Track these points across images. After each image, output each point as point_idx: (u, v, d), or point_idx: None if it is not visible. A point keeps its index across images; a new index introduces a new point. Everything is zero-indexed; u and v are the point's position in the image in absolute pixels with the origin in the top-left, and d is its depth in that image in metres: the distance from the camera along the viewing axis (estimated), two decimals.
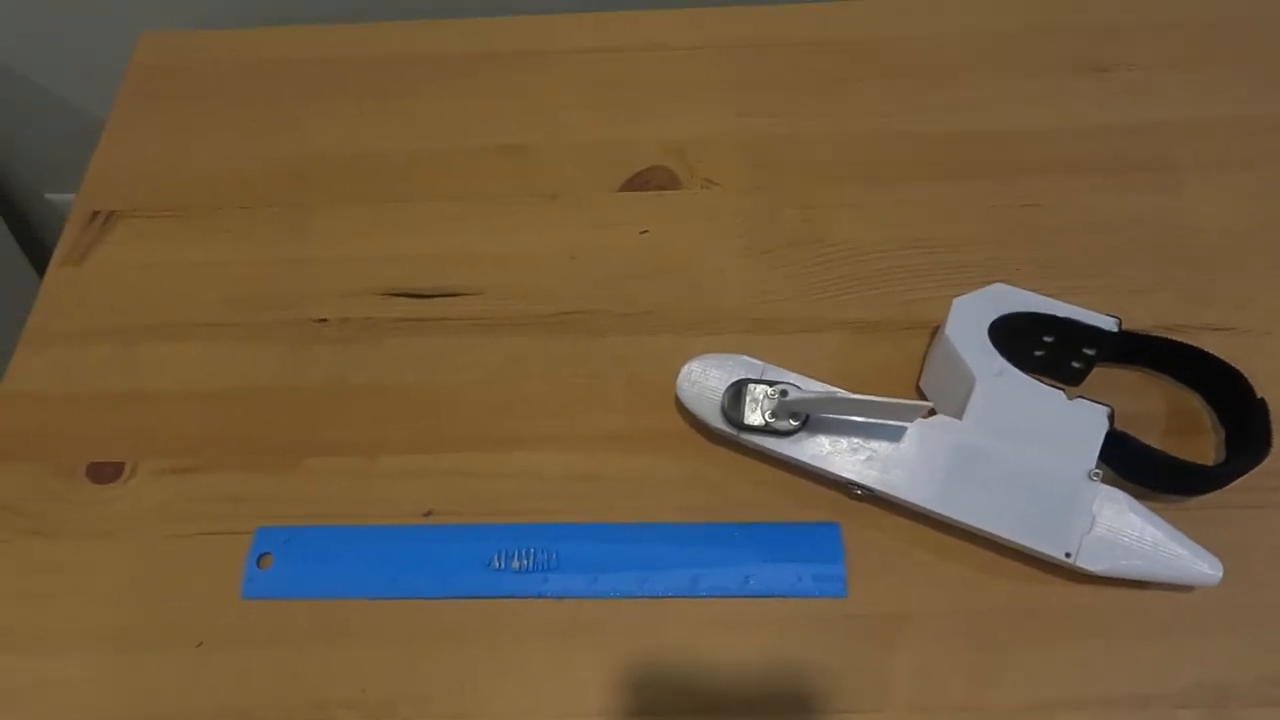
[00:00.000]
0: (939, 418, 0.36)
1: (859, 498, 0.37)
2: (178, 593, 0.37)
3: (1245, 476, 0.36)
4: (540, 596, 0.37)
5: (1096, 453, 0.34)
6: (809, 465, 0.37)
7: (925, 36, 0.52)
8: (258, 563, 0.37)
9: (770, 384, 0.37)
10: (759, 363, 0.38)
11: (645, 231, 0.46)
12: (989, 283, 0.39)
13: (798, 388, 0.37)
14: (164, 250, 0.47)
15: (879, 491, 0.36)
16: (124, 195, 0.48)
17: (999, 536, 0.35)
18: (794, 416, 0.36)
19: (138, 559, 0.38)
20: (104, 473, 0.40)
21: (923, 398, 0.40)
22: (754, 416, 0.37)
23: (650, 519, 0.38)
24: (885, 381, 0.41)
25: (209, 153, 0.50)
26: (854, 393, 0.37)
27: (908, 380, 0.41)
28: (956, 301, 0.38)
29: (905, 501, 0.36)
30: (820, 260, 0.45)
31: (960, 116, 0.49)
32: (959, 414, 0.36)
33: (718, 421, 0.37)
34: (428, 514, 0.39)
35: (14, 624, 0.37)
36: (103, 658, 0.36)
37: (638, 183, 0.48)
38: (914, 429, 0.36)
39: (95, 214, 0.48)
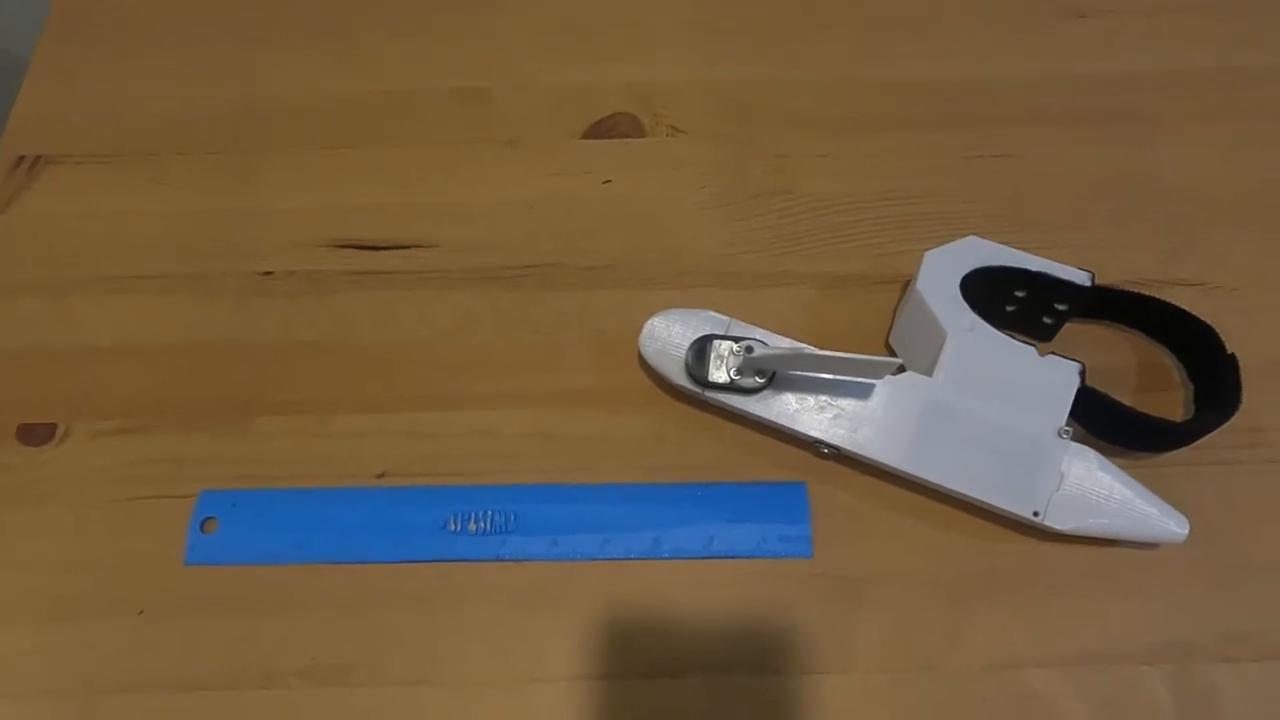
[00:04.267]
0: (908, 375, 0.35)
1: (826, 456, 0.36)
2: (117, 560, 0.36)
3: (1214, 433, 0.35)
4: (498, 559, 0.35)
5: (1067, 410, 0.34)
6: (775, 424, 0.36)
7: None
8: (201, 527, 0.36)
9: (736, 340, 0.36)
10: (724, 318, 0.37)
11: (608, 181, 0.44)
12: (959, 234, 0.38)
13: (764, 344, 0.35)
14: (97, 198, 0.44)
15: (846, 450, 0.35)
16: (52, 140, 0.45)
17: (967, 496, 0.34)
18: (760, 374, 0.35)
19: (74, 525, 0.36)
20: (35, 434, 0.38)
21: (892, 353, 0.39)
22: (719, 374, 0.35)
23: (612, 479, 0.37)
24: (856, 337, 0.40)
25: (145, 95, 0.47)
26: (822, 349, 0.36)
27: (878, 335, 0.40)
28: (928, 255, 0.37)
29: (873, 460, 0.35)
30: (789, 211, 0.43)
31: (934, 64, 0.47)
32: (929, 370, 0.35)
33: (681, 379, 0.36)
34: (381, 475, 0.37)
35: None
36: (40, 628, 0.35)
37: (600, 130, 0.46)
38: (883, 386, 0.35)
39: (20, 159, 0.45)
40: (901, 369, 0.35)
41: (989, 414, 0.34)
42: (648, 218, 0.43)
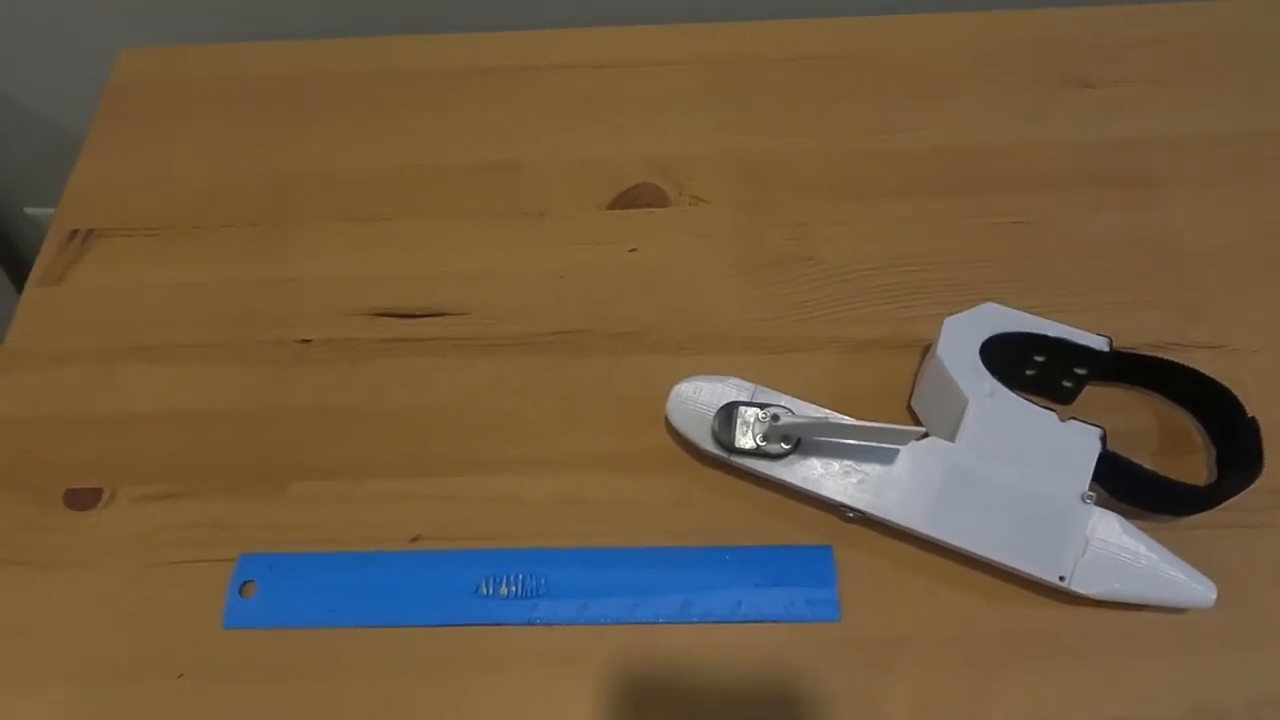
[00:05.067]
0: (931, 440, 0.36)
1: (851, 520, 0.37)
2: (158, 623, 0.36)
3: (1238, 496, 0.36)
4: (529, 623, 0.36)
5: (1090, 475, 0.34)
6: (800, 488, 0.36)
7: (912, 52, 0.52)
8: (240, 591, 0.37)
9: (761, 406, 0.36)
10: (750, 384, 0.38)
11: (634, 250, 0.46)
12: (979, 300, 0.39)
13: (789, 411, 0.36)
14: (144, 270, 0.46)
15: (871, 514, 0.36)
16: (103, 214, 0.48)
17: (992, 560, 0.35)
18: (785, 440, 0.36)
19: (117, 588, 0.37)
20: (82, 499, 0.39)
21: (914, 418, 0.40)
22: (745, 439, 0.36)
23: (640, 543, 0.38)
24: (877, 401, 0.40)
25: (190, 170, 0.49)
26: (846, 415, 0.36)
27: (899, 399, 0.41)
28: (947, 321, 0.38)
29: (898, 524, 0.35)
30: (810, 278, 0.45)
31: (948, 133, 0.49)
32: (951, 435, 0.36)
33: (708, 445, 0.37)
34: (415, 539, 0.38)
35: None
36: (80, 691, 0.35)
37: (626, 200, 0.47)
38: (906, 451, 0.36)
39: (74, 233, 0.47)
40: (924, 436, 0.36)
41: (1012, 479, 0.35)
42: (672, 285, 0.44)
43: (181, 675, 0.35)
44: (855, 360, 0.42)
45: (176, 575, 0.37)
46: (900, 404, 0.41)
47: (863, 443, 0.35)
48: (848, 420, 0.34)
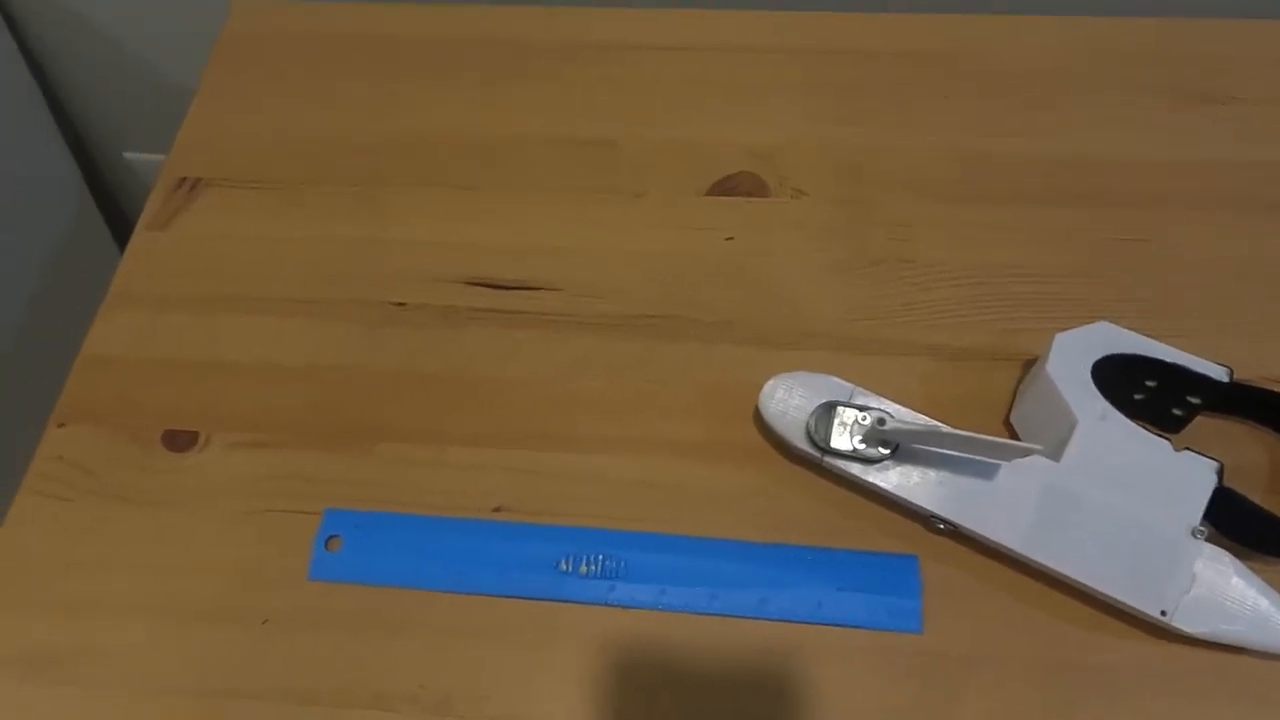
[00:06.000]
0: (1033, 457, 0.35)
1: (941, 531, 0.36)
2: (246, 568, 0.37)
3: None
4: (606, 604, 0.36)
5: (1202, 509, 0.33)
6: (893, 495, 0.36)
7: (1029, 53, 0.51)
8: (326, 545, 0.37)
9: (860, 409, 0.36)
10: (848, 385, 0.37)
11: (730, 239, 0.45)
12: (1086, 317, 0.38)
13: (891, 415, 0.35)
14: (248, 221, 0.47)
15: (964, 528, 0.35)
16: (212, 163, 0.49)
17: (1089, 587, 0.33)
18: (884, 444, 0.35)
19: (208, 530, 0.38)
20: (179, 441, 0.40)
21: (1011, 433, 0.38)
22: (841, 440, 0.35)
23: (719, 533, 0.37)
24: (970, 412, 0.39)
25: (298, 126, 0.50)
26: (954, 427, 0.35)
27: (993, 413, 0.40)
28: (1058, 337, 0.37)
29: (991, 541, 0.34)
30: (910, 280, 0.44)
31: (1063, 140, 0.47)
32: (1055, 455, 0.35)
33: (801, 442, 0.36)
34: (497, 509, 0.38)
35: (78, 587, 0.37)
36: (166, 627, 0.36)
37: (725, 187, 0.47)
38: (1007, 467, 0.35)
39: (183, 180, 0.48)
40: (1038, 453, 0.34)
41: (1118, 506, 0.33)
42: (767, 278, 0.44)
43: (266, 621, 0.36)
44: (950, 369, 0.41)
45: (265, 523, 0.38)
46: (994, 417, 0.39)
47: (971, 455, 0.34)
48: (959, 431, 0.33)
